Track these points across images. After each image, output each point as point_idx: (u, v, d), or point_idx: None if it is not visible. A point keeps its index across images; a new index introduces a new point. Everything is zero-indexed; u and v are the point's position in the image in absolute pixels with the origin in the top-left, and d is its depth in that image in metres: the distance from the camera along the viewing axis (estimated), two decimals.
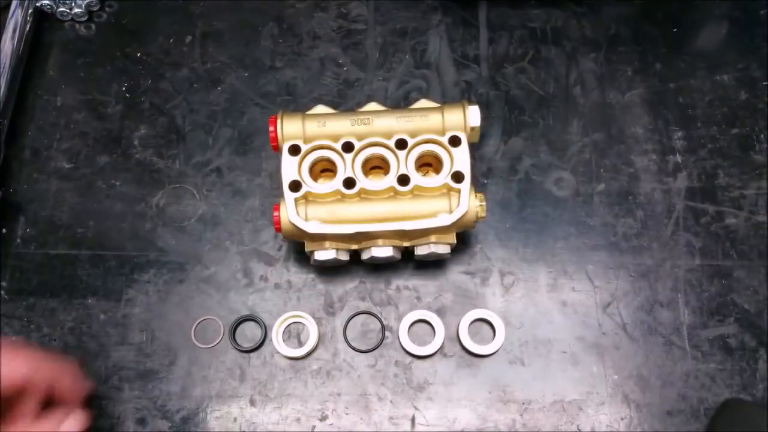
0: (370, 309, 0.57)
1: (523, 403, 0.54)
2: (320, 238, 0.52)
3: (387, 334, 0.56)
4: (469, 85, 0.66)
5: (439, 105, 0.53)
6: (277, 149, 0.53)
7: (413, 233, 0.52)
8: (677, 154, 0.62)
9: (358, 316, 0.57)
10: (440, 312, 0.57)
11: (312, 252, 0.53)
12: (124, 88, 0.66)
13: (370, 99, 0.61)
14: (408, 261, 0.58)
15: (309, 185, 0.52)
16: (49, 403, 0.46)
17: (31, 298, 0.57)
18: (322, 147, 0.53)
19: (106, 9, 0.70)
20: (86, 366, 0.49)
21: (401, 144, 0.52)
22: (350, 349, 0.56)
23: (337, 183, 0.52)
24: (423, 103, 0.54)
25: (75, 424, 0.46)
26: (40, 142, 0.64)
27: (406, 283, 0.58)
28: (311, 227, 0.51)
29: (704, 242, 0.59)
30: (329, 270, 0.58)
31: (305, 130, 0.52)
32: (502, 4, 0.69)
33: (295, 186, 0.51)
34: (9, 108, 0.63)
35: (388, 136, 0.52)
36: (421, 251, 0.53)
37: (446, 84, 0.66)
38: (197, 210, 0.61)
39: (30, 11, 0.66)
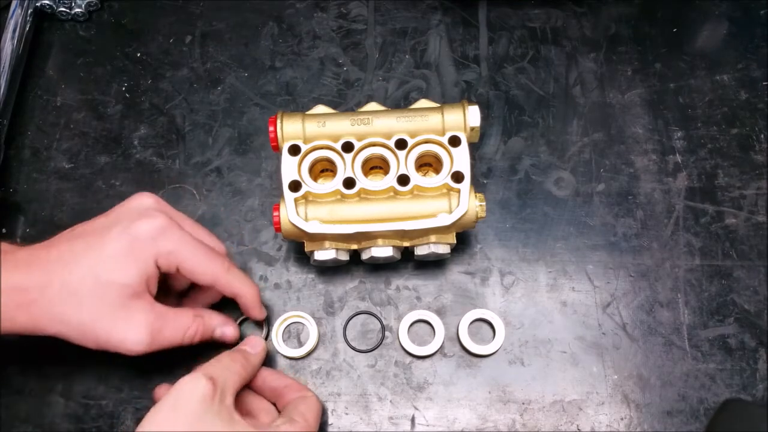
0: (370, 309, 0.57)
1: (523, 403, 0.54)
2: (320, 238, 0.52)
3: (387, 334, 0.56)
4: (469, 85, 0.66)
5: (438, 105, 0.53)
6: (277, 149, 0.53)
7: (413, 233, 0.52)
8: (677, 154, 0.62)
9: (358, 316, 0.57)
10: (440, 312, 0.57)
11: (312, 252, 0.53)
12: (124, 88, 0.66)
13: (370, 99, 0.61)
14: (408, 261, 0.58)
15: (309, 185, 0.52)
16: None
17: None
18: (322, 147, 0.53)
19: (106, 9, 0.70)
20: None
21: (401, 144, 0.52)
22: (350, 349, 0.56)
23: (337, 183, 0.52)
24: (423, 103, 0.54)
25: (232, 332, 0.53)
26: (40, 142, 0.64)
27: (406, 283, 0.58)
28: (311, 227, 0.51)
29: (704, 242, 0.59)
30: (329, 270, 0.58)
31: (305, 130, 0.52)
32: (502, 4, 0.69)
33: (295, 186, 0.51)
34: (9, 108, 0.63)
35: (388, 136, 0.52)
36: (421, 251, 0.53)
37: (446, 84, 0.66)
38: (197, 210, 0.61)
39: (30, 11, 0.66)
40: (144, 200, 0.50)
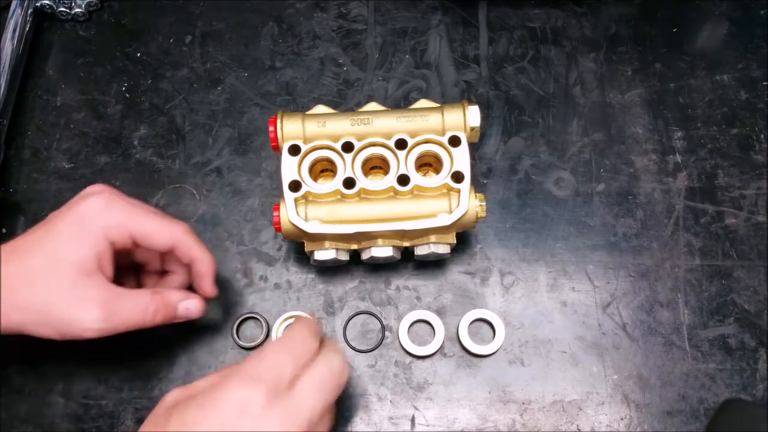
0: (370, 309, 0.57)
1: (523, 403, 0.54)
2: (320, 238, 0.52)
3: (387, 334, 0.56)
4: (469, 85, 0.66)
5: (438, 105, 0.53)
6: (277, 149, 0.53)
7: (413, 233, 0.52)
8: (677, 154, 0.62)
9: (358, 316, 0.57)
10: (440, 312, 0.57)
11: (312, 252, 0.53)
12: (124, 88, 0.66)
13: (370, 99, 0.61)
14: (408, 261, 0.58)
15: (309, 185, 0.52)
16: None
17: None
18: (321, 147, 0.53)
19: (106, 9, 0.70)
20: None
21: (401, 144, 0.52)
22: (350, 349, 0.56)
23: (337, 183, 0.52)
24: (423, 103, 0.54)
25: (196, 305, 0.51)
26: (40, 142, 0.64)
27: (406, 283, 0.58)
28: (311, 227, 0.51)
29: (704, 242, 0.59)
30: (329, 270, 0.58)
31: (305, 130, 0.52)
32: (502, 4, 0.69)
33: (295, 186, 0.51)
34: (9, 108, 0.63)
35: (388, 136, 0.52)
36: (421, 251, 0.53)
37: (446, 84, 0.66)
38: (197, 210, 0.61)
39: (30, 11, 0.66)
40: (92, 188, 0.49)
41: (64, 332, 0.46)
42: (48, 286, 0.45)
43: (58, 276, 0.45)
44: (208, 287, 0.52)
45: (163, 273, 0.54)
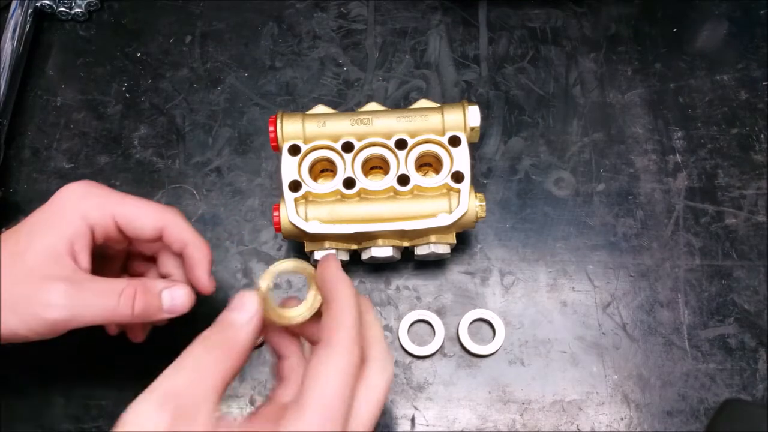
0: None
1: (523, 403, 0.54)
2: (320, 238, 0.52)
3: (387, 334, 0.56)
4: (469, 85, 0.66)
5: (438, 105, 0.53)
6: (277, 149, 0.53)
7: (413, 233, 0.52)
8: (677, 154, 0.62)
9: None
10: (440, 312, 0.57)
11: (312, 252, 0.53)
12: (124, 88, 0.66)
13: (370, 99, 0.61)
14: (408, 261, 0.58)
15: (309, 185, 0.52)
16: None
17: None
18: (321, 147, 0.53)
19: (106, 9, 0.70)
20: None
21: (401, 144, 0.52)
22: None
23: (337, 183, 0.52)
24: (423, 103, 0.54)
25: (182, 295, 0.44)
26: (40, 142, 0.64)
27: (406, 283, 0.58)
28: (311, 227, 0.51)
29: (704, 242, 0.59)
30: None
31: (305, 130, 0.52)
32: (502, 4, 0.69)
33: (295, 186, 0.51)
34: (9, 108, 0.63)
35: (388, 136, 0.52)
36: (421, 251, 0.53)
37: (446, 84, 0.66)
38: (197, 210, 0.61)
39: (30, 11, 0.66)
40: (71, 184, 0.46)
41: (28, 319, 0.41)
42: (13, 273, 0.41)
43: (26, 261, 0.41)
44: (204, 278, 0.46)
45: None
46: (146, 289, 0.43)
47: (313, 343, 0.42)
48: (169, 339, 0.57)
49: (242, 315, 0.37)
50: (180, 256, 0.47)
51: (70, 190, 0.44)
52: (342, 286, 0.38)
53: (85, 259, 0.43)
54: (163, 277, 0.49)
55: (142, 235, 0.45)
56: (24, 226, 0.44)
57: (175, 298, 0.44)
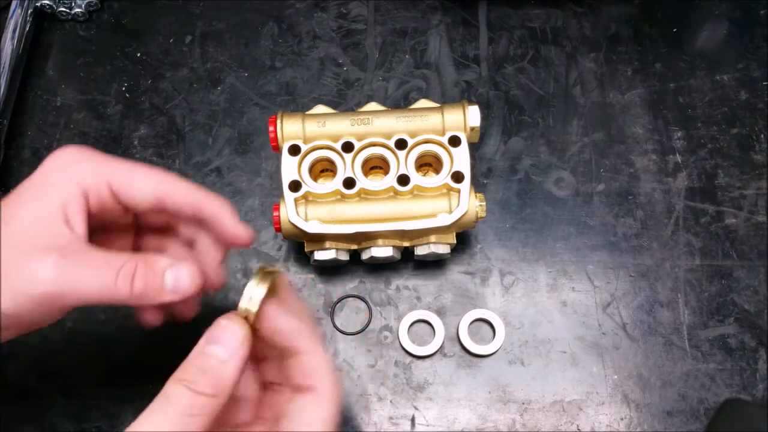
0: (357, 293, 0.57)
1: (523, 403, 0.54)
2: (320, 238, 0.52)
3: (387, 334, 0.56)
4: (469, 85, 0.66)
5: (438, 105, 0.53)
6: (277, 149, 0.53)
7: (413, 233, 0.52)
8: (677, 154, 0.62)
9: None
10: (440, 312, 0.57)
11: (312, 252, 0.53)
12: (124, 88, 0.66)
13: (370, 99, 0.61)
14: (408, 261, 0.58)
15: (309, 185, 0.52)
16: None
17: None
18: (321, 147, 0.53)
19: (106, 9, 0.70)
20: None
21: (401, 144, 0.52)
22: (351, 349, 0.56)
23: (337, 183, 0.52)
24: (423, 103, 0.54)
25: (188, 275, 0.39)
26: (40, 142, 0.64)
27: (406, 283, 0.58)
28: (311, 227, 0.51)
29: (704, 242, 0.59)
30: (329, 270, 0.58)
31: (305, 130, 0.52)
32: (502, 4, 0.69)
33: (295, 186, 0.51)
34: (9, 108, 0.63)
35: (388, 136, 0.52)
36: (421, 251, 0.53)
37: (446, 84, 0.66)
38: None
39: (30, 11, 0.66)
40: (64, 147, 0.42)
41: (16, 294, 0.36)
42: (9, 248, 0.37)
43: (14, 230, 0.37)
44: (235, 227, 0.41)
45: None
46: (149, 264, 0.38)
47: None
48: (170, 339, 0.57)
49: (224, 350, 0.35)
50: (198, 222, 0.42)
51: (62, 154, 0.40)
52: (299, 334, 0.37)
53: (80, 225, 0.38)
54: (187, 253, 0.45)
55: (142, 203, 0.40)
56: (13, 194, 0.39)
57: (180, 279, 0.39)
